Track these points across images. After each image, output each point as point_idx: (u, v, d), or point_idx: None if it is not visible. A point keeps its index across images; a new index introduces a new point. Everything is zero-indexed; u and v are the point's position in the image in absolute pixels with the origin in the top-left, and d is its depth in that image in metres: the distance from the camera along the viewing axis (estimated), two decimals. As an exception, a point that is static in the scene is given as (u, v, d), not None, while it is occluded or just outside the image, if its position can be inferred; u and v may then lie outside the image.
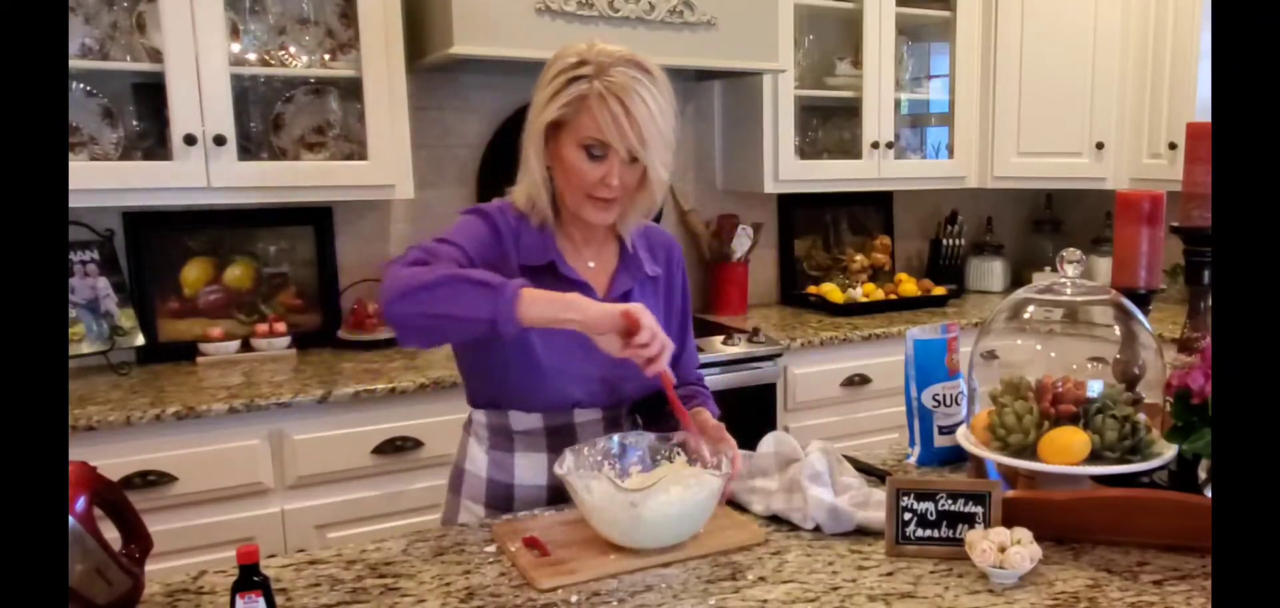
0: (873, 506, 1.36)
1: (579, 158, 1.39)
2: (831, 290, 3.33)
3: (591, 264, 1.53)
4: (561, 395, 1.49)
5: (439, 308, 1.28)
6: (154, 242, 2.58)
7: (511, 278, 1.32)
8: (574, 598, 1.17)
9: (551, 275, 1.46)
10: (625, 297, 1.52)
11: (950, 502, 1.26)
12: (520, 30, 2.48)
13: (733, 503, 1.44)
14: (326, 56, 2.62)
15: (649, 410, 1.62)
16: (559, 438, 1.50)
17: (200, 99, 2.32)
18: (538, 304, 1.28)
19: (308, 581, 1.22)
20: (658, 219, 1.77)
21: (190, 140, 2.31)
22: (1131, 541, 1.28)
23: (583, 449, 1.38)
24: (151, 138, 2.50)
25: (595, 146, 1.38)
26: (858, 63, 3.32)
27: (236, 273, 2.70)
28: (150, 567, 1.17)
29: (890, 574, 1.22)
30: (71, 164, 2.24)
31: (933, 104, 3.67)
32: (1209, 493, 1.29)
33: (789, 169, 3.19)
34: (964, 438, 1.44)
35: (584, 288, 1.47)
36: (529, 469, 1.52)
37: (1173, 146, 3.12)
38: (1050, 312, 1.46)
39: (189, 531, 2.14)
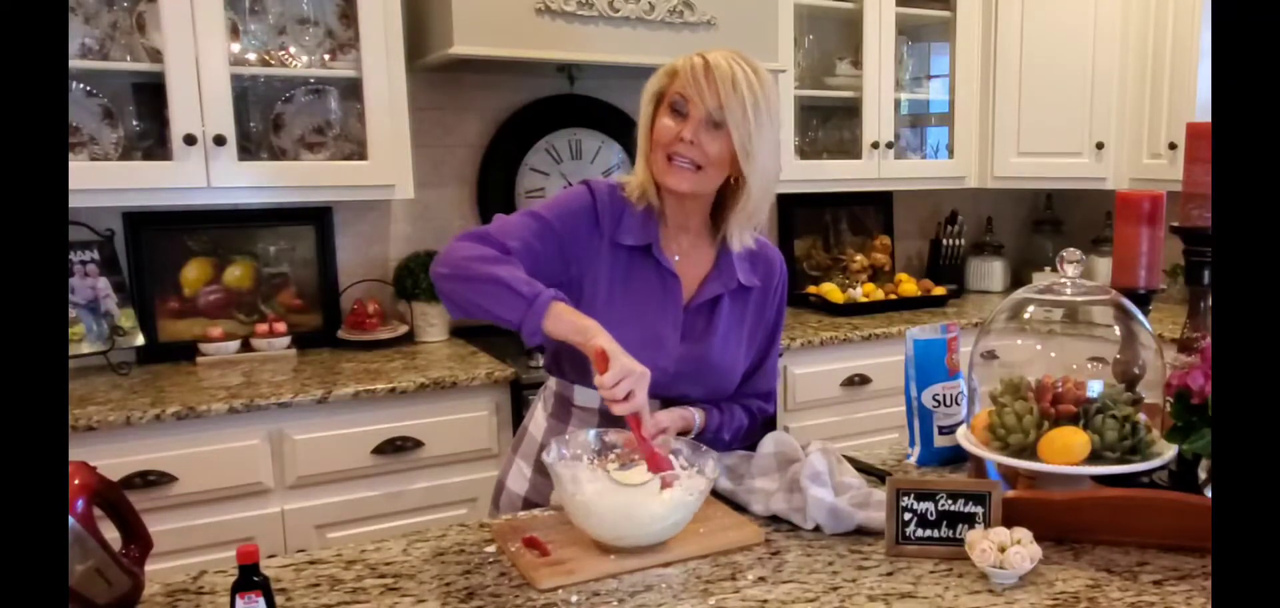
0: (873, 506, 1.36)
1: (665, 116, 1.49)
2: (831, 290, 3.33)
3: (676, 257, 1.58)
4: None
5: (479, 299, 1.41)
6: (154, 242, 2.58)
7: (601, 255, 1.51)
8: (574, 598, 1.17)
9: (646, 256, 1.55)
10: (714, 303, 1.59)
11: (950, 502, 1.26)
12: (520, 30, 2.48)
13: (733, 503, 1.44)
14: (326, 56, 2.62)
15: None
16: (613, 422, 1.51)
17: (200, 99, 2.32)
18: (562, 323, 1.38)
19: (308, 581, 1.22)
20: None
21: (190, 140, 2.31)
22: (1131, 541, 1.28)
23: (568, 439, 1.41)
24: (151, 138, 2.50)
25: (679, 101, 1.47)
26: (858, 63, 3.32)
27: (236, 273, 2.70)
28: (150, 567, 1.17)
29: (890, 574, 1.22)
30: (71, 164, 2.24)
31: (933, 104, 3.67)
32: (1209, 493, 1.29)
33: (789, 169, 3.19)
34: (964, 438, 1.44)
35: (674, 278, 1.56)
36: None
37: (1173, 147, 3.12)
38: (1050, 312, 1.46)
39: (189, 531, 2.14)
